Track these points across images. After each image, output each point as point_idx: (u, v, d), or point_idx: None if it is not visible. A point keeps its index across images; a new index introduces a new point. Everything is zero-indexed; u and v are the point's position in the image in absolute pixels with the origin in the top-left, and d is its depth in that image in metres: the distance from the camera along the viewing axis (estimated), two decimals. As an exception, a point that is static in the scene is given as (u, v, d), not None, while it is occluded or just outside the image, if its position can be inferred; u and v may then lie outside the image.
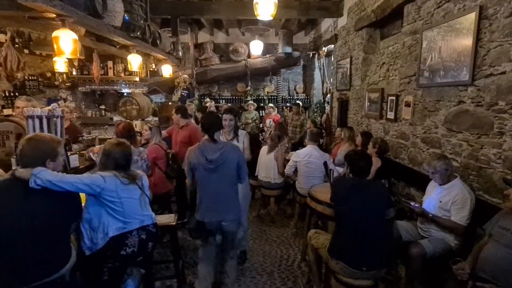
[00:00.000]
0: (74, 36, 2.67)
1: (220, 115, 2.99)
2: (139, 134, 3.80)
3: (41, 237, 1.69)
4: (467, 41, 2.59)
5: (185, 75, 7.34)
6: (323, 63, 8.28)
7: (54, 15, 2.58)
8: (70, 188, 1.72)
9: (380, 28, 4.77)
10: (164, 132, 4.16)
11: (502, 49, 2.27)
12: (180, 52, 6.07)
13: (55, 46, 2.69)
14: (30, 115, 2.50)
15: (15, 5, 2.27)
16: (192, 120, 4.74)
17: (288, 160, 4.17)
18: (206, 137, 2.42)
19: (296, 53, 8.82)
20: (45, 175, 1.66)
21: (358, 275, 2.16)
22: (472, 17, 2.53)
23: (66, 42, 2.62)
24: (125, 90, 6.69)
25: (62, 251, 1.80)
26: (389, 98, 4.08)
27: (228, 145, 2.47)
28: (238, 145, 3.08)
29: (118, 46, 4.38)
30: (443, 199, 2.48)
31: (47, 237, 1.71)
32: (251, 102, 8.35)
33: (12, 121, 2.78)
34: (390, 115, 4.04)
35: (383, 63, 4.39)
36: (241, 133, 3.24)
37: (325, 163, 3.33)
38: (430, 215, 2.50)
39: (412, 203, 2.65)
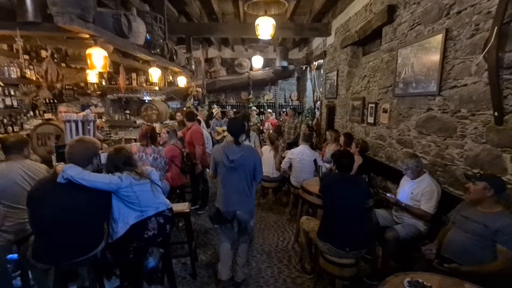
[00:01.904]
0: (104, 53, 2.69)
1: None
2: (158, 135, 3.83)
3: (80, 225, 1.72)
4: (435, 58, 2.60)
5: (198, 88, 7.39)
6: (314, 75, 8.27)
7: (88, 36, 2.60)
8: (88, 184, 1.71)
9: (362, 46, 4.77)
10: (179, 133, 4.20)
11: (464, 65, 2.29)
12: (193, 66, 6.07)
13: (88, 61, 2.72)
14: (68, 119, 2.52)
15: (55, 28, 2.29)
16: (203, 124, 4.75)
17: (284, 158, 4.18)
18: (231, 138, 2.38)
19: (291, 67, 8.82)
20: (70, 172, 1.67)
21: (342, 255, 2.18)
22: (439, 38, 2.54)
23: (97, 58, 2.64)
24: (147, 98, 6.68)
25: (96, 236, 1.84)
26: (369, 105, 4.09)
27: (248, 149, 2.41)
28: (250, 144, 3.08)
29: (141, 61, 4.40)
30: (414, 191, 2.50)
31: (85, 225, 1.74)
32: (253, 108, 8.36)
33: (52, 124, 2.81)
34: (370, 119, 4.05)
35: (365, 76, 4.40)
36: (252, 134, 3.23)
37: (315, 161, 3.35)
38: (403, 204, 2.52)
39: (388, 194, 2.66)
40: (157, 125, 5.55)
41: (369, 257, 2.76)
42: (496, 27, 1.89)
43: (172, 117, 6.66)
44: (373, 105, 3.94)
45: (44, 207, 1.65)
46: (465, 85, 2.28)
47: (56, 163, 1.78)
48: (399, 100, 3.29)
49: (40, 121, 3.93)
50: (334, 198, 2.22)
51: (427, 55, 2.73)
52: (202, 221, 3.93)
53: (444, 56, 2.51)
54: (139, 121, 6.33)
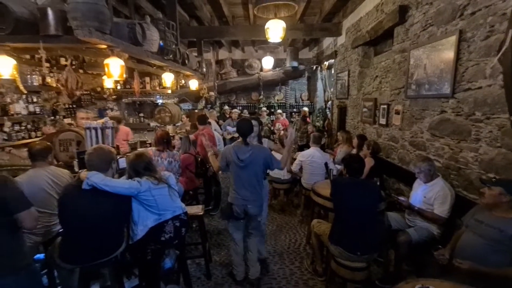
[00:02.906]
0: (121, 62, 2.81)
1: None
2: (172, 138, 3.94)
3: (104, 228, 1.83)
4: (449, 60, 2.56)
5: (211, 93, 7.53)
6: (324, 75, 8.22)
7: (105, 46, 2.72)
8: (111, 190, 1.81)
9: (373, 46, 4.72)
10: (192, 136, 4.30)
11: (478, 67, 2.25)
12: (204, 69, 6.17)
13: (106, 70, 2.84)
14: (88, 126, 2.66)
15: (75, 40, 2.40)
16: (215, 125, 4.84)
17: (295, 159, 4.21)
18: (240, 139, 2.52)
19: (302, 67, 8.78)
20: (93, 179, 1.77)
21: (354, 259, 2.20)
22: (453, 39, 2.50)
23: (114, 68, 2.76)
24: (160, 101, 6.87)
25: (118, 239, 1.95)
26: (381, 106, 4.05)
27: (256, 147, 2.53)
28: None
29: (155, 67, 4.53)
30: (427, 195, 2.48)
31: (108, 228, 1.86)
32: (264, 109, 8.39)
33: (74, 131, 2.96)
34: (382, 121, 4.01)
35: (376, 76, 4.36)
36: (265, 140, 3.26)
37: (326, 164, 3.36)
38: (416, 208, 2.51)
39: (400, 198, 2.66)
40: (169, 127, 5.70)
41: (381, 260, 2.76)
42: (510, 30, 1.86)
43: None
44: (385, 106, 3.90)
45: (70, 211, 1.77)
46: (480, 87, 2.24)
47: (80, 170, 1.89)
48: (412, 102, 3.26)
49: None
50: (345, 202, 2.24)
51: (440, 57, 2.69)
52: (216, 223, 4.02)
53: (457, 58, 2.47)
54: (152, 124, 6.52)
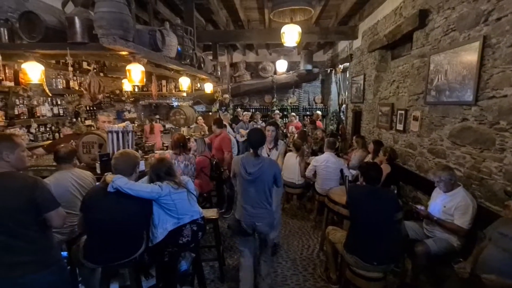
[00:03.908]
0: (142, 68, 2.90)
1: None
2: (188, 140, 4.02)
3: (126, 230, 1.91)
4: (471, 66, 2.50)
5: (226, 95, 7.61)
6: (339, 78, 8.14)
7: (127, 53, 2.82)
8: (134, 194, 1.88)
9: (391, 50, 4.65)
10: (206, 139, 4.37)
11: (504, 75, 2.18)
12: (219, 72, 6.26)
13: (128, 75, 2.94)
14: (110, 130, 2.76)
15: (100, 47, 2.51)
16: (225, 129, 4.87)
17: (309, 164, 4.19)
18: (251, 150, 2.35)
19: (316, 70, 8.73)
20: (118, 182, 1.84)
21: (370, 268, 2.17)
22: (476, 45, 2.44)
23: (136, 73, 2.85)
24: (175, 103, 7.02)
25: (138, 241, 2.01)
26: (399, 112, 3.97)
27: (267, 161, 2.35)
28: (276, 152, 3.09)
29: (172, 72, 4.63)
30: (447, 205, 2.42)
31: (130, 230, 1.93)
32: (277, 111, 8.39)
33: (96, 134, 3.07)
34: (399, 126, 3.93)
35: (394, 81, 4.28)
36: (280, 143, 3.16)
37: (341, 170, 3.34)
38: (435, 218, 2.44)
39: (418, 206, 2.59)
40: (184, 129, 5.80)
41: (398, 269, 2.71)
42: (540, 37, 1.79)
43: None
44: (403, 111, 3.82)
45: (96, 213, 1.85)
46: (505, 96, 2.17)
47: (106, 174, 1.97)
48: (431, 108, 3.18)
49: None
50: (361, 211, 2.21)
51: (462, 63, 2.63)
52: (228, 225, 4.06)
53: (481, 65, 2.40)
54: (168, 125, 6.66)
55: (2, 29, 2.71)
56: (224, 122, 5.49)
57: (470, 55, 2.52)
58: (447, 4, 2.89)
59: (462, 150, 2.66)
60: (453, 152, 2.79)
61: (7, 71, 3.59)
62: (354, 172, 3.80)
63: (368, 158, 4.03)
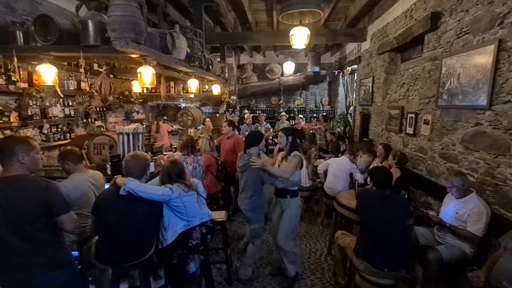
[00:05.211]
0: (153, 70, 2.92)
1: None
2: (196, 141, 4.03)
3: (137, 232, 1.92)
4: (486, 70, 2.44)
5: (233, 97, 7.63)
6: (346, 80, 8.07)
7: (139, 55, 2.85)
8: (146, 196, 1.90)
9: (400, 52, 4.59)
10: (215, 141, 4.38)
11: (520, 79, 2.13)
12: (226, 74, 6.28)
13: (138, 77, 2.97)
14: (121, 132, 2.79)
15: (112, 50, 2.54)
16: (236, 132, 4.89)
17: (316, 167, 4.17)
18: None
19: (323, 71, 8.69)
20: (130, 185, 1.86)
21: (380, 275, 2.13)
22: (491, 48, 2.38)
23: (146, 76, 2.88)
24: (183, 104, 7.06)
25: (149, 243, 2.03)
26: (409, 115, 3.92)
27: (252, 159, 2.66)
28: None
29: (181, 73, 4.67)
30: (460, 211, 2.37)
31: (141, 232, 1.94)
32: (283, 113, 8.38)
33: (106, 135, 3.11)
34: (409, 130, 3.87)
35: (403, 84, 4.22)
36: (295, 153, 2.81)
37: (351, 174, 3.33)
38: (447, 224, 2.40)
39: (430, 212, 2.55)
40: (191, 130, 5.84)
41: (408, 276, 2.66)
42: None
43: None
44: (413, 115, 3.77)
45: (108, 216, 1.87)
46: (521, 100, 2.12)
47: (116, 176, 1.99)
48: (443, 112, 3.13)
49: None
50: (372, 217, 2.18)
51: (476, 66, 2.57)
52: (235, 228, 4.06)
53: (496, 68, 2.35)
54: (175, 126, 6.70)
55: (18, 32, 2.77)
56: (232, 124, 5.50)
57: (484, 59, 2.47)
58: (460, 6, 2.84)
59: (475, 155, 2.61)
60: (465, 157, 2.74)
61: (21, 72, 3.66)
62: (359, 175, 3.78)
63: (376, 162, 3.98)
